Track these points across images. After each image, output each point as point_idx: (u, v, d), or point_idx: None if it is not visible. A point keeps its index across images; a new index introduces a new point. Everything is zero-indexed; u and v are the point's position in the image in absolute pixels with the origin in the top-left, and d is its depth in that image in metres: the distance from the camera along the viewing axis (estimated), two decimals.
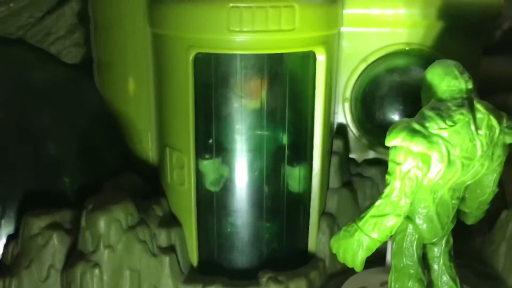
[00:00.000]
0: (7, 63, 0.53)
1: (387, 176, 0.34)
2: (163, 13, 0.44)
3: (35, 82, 0.52)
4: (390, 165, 0.34)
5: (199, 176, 0.47)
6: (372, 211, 0.34)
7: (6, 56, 0.54)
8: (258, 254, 0.49)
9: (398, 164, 0.33)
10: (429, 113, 0.33)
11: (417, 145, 0.32)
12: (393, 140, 0.33)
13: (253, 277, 0.46)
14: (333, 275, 0.50)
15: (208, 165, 0.47)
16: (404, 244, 0.37)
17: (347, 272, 0.49)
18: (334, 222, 0.50)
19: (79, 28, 0.56)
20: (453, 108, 0.34)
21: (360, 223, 0.35)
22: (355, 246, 0.35)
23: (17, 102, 0.50)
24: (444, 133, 0.33)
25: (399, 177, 0.33)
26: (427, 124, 0.33)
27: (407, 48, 0.51)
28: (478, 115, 0.34)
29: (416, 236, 0.37)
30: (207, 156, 0.47)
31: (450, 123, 0.33)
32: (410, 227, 0.37)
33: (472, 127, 0.33)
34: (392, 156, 0.34)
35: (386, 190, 0.34)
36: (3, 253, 0.46)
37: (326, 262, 0.50)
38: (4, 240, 0.46)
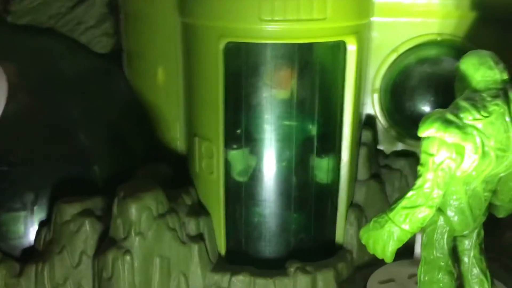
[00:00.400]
0: (38, 52, 0.54)
1: (419, 167, 0.34)
2: (194, 3, 0.44)
3: (66, 71, 0.53)
4: (423, 156, 0.33)
5: (228, 165, 0.47)
6: (404, 202, 0.34)
7: (37, 45, 0.55)
8: (285, 244, 0.49)
9: (431, 155, 0.33)
10: (463, 103, 0.33)
11: (451, 136, 0.32)
12: (427, 130, 0.33)
13: (280, 267, 0.46)
14: (360, 267, 0.50)
15: (237, 155, 0.47)
16: (435, 236, 0.36)
17: (375, 264, 0.49)
18: (362, 214, 0.50)
19: (109, 18, 0.56)
20: (488, 98, 0.33)
21: (391, 214, 0.34)
22: (385, 237, 0.35)
23: (48, 91, 0.51)
24: (479, 124, 0.32)
25: (432, 168, 0.33)
26: (462, 115, 0.32)
27: (438, 39, 0.50)
28: None
29: (447, 228, 0.36)
30: (235, 146, 0.47)
31: (485, 114, 0.33)
32: (441, 219, 0.36)
33: (507, 118, 0.33)
34: (425, 147, 0.33)
35: (418, 181, 0.34)
36: (35, 239, 0.46)
37: (354, 253, 0.49)
38: (36, 227, 0.47)
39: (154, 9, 0.49)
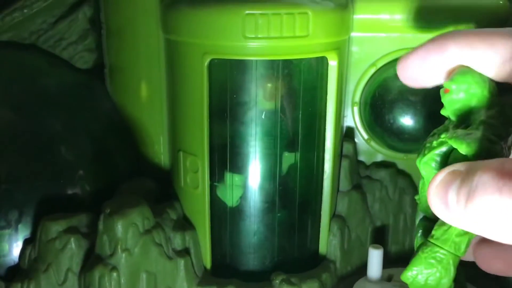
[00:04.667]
0: (20, 68, 0.53)
1: None
2: (177, 20, 0.45)
3: (48, 87, 0.53)
4: None
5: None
6: (456, 230, 0.29)
7: (19, 61, 0.54)
8: (270, 257, 0.49)
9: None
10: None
11: None
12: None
13: (265, 279, 0.47)
14: (344, 277, 0.51)
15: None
16: None
17: (358, 273, 0.50)
18: (344, 224, 0.51)
19: (91, 33, 0.56)
20: None
21: (452, 249, 0.26)
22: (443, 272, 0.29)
23: (30, 107, 0.51)
24: None
25: None
26: None
27: None
28: None
29: None
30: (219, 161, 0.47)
31: None
32: None
33: None
34: None
35: None
36: (20, 257, 0.46)
37: (337, 263, 0.50)
38: (21, 244, 0.46)
39: (136, 25, 0.50)
